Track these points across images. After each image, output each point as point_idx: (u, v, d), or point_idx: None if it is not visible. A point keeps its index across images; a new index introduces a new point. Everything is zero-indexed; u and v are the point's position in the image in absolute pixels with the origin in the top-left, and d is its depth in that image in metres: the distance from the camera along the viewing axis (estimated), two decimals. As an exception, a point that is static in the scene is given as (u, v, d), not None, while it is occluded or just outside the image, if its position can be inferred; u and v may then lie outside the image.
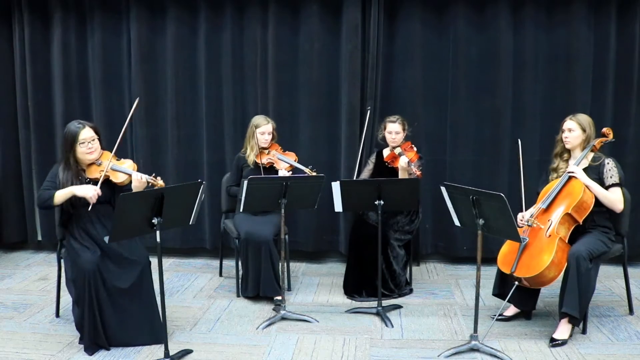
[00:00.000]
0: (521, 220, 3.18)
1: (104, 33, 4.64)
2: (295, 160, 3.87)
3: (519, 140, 3.36)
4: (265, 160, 3.85)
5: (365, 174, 4.12)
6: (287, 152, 3.98)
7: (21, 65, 4.75)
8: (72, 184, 3.02)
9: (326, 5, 4.44)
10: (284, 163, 3.85)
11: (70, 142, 3.04)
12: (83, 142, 3.03)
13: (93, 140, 3.07)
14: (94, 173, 3.10)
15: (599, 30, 4.29)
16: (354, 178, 3.99)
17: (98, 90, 4.71)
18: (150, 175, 3.09)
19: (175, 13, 4.56)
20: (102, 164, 3.11)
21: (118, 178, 3.10)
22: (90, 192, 2.97)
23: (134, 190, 3.08)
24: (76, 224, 3.09)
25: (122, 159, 3.21)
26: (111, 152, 3.14)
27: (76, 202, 3.05)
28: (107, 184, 3.09)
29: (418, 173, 3.65)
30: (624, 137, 4.26)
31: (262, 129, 3.87)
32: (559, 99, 4.35)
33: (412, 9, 4.39)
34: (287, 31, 4.51)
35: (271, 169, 3.88)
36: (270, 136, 3.91)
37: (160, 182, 3.08)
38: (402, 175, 3.78)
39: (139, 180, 3.06)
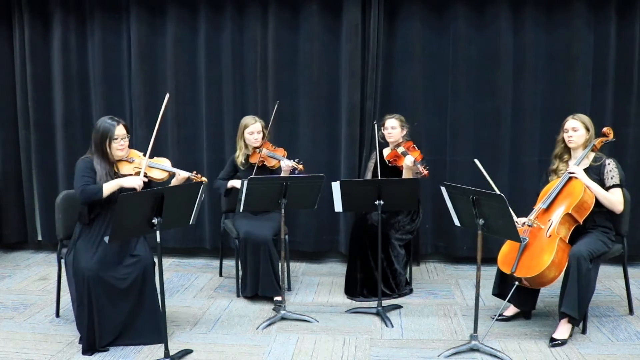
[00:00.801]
0: (517, 224, 3.17)
1: (104, 33, 4.65)
2: (283, 156, 3.85)
3: (476, 160, 3.27)
4: (257, 159, 3.85)
5: (368, 175, 4.12)
6: (277, 148, 3.96)
7: (21, 65, 4.75)
8: (105, 180, 3.04)
9: (326, 5, 4.45)
10: (273, 160, 3.85)
11: (105, 137, 3.08)
12: (117, 139, 3.09)
13: (125, 137, 3.13)
14: (126, 170, 3.14)
15: (599, 30, 4.29)
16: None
17: (98, 90, 4.71)
18: (191, 172, 3.20)
19: (175, 13, 4.56)
20: (134, 161, 3.18)
21: (156, 174, 3.18)
22: (137, 182, 3.03)
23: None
24: (101, 224, 3.08)
25: (157, 157, 3.29)
26: (138, 151, 3.23)
27: (110, 198, 3.05)
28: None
29: (425, 172, 3.63)
30: (624, 137, 4.26)
31: (251, 128, 3.86)
32: (559, 99, 4.35)
33: (412, 8, 4.39)
34: (287, 31, 4.51)
35: (264, 167, 3.87)
36: (260, 135, 3.89)
37: (203, 178, 3.19)
38: (406, 174, 3.77)
39: (182, 179, 3.17)
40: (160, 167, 3.21)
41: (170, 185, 3.14)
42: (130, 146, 3.21)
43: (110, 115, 3.19)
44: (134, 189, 3.01)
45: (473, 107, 4.46)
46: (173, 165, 3.29)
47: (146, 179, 3.10)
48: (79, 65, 4.73)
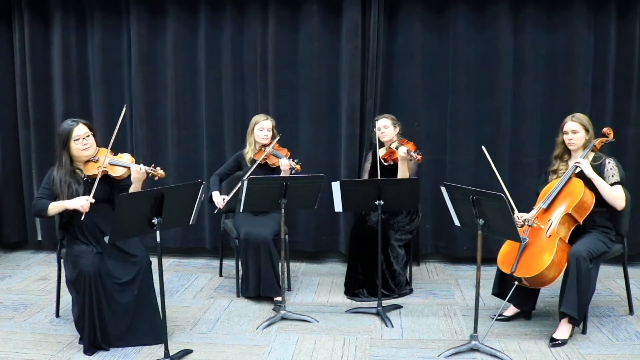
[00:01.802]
0: (518, 219, 3.18)
1: (104, 33, 4.65)
2: (286, 156, 3.85)
3: (483, 147, 3.30)
4: (259, 156, 3.86)
5: (364, 176, 4.12)
6: (282, 148, 3.97)
7: (21, 65, 4.75)
8: (66, 184, 3.02)
9: (326, 5, 4.44)
10: (275, 158, 3.86)
11: (65, 140, 3.04)
12: (77, 139, 3.03)
13: (87, 136, 3.07)
14: (91, 170, 3.10)
15: (599, 31, 4.29)
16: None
17: (98, 90, 4.71)
18: (149, 166, 3.09)
19: (175, 13, 4.56)
20: (99, 160, 3.11)
21: (116, 172, 3.09)
22: (80, 204, 2.96)
23: (133, 183, 3.08)
24: (77, 226, 3.08)
25: (120, 153, 3.20)
26: (107, 148, 3.13)
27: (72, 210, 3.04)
28: (106, 180, 3.09)
29: (419, 157, 3.59)
30: (624, 137, 4.25)
31: (261, 124, 3.89)
32: (559, 99, 4.35)
33: (412, 8, 4.39)
34: (287, 31, 4.51)
35: (266, 165, 3.89)
36: (270, 132, 3.91)
37: (160, 171, 3.08)
38: (402, 166, 3.75)
39: (138, 172, 3.04)
40: (119, 164, 3.10)
41: (132, 180, 3.08)
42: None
43: (72, 117, 3.17)
44: (76, 210, 2.98)
45: (473, 107, 4.45)
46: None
47: (93, 200, 2.99)
48: (79, 65, 4.73)
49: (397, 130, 3.98)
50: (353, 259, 3.92)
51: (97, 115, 4.69)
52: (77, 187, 3.05)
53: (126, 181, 3.14)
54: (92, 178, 3.07)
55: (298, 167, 3.69)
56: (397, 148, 3.80)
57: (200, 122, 4.69)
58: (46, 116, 4.80)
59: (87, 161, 3.12)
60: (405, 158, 3.70)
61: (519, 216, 3.19)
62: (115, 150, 3.21)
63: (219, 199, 3.85)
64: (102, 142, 3.23)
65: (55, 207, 3.01)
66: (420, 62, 4.45)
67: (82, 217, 2.98)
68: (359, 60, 4.43)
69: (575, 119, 3.25)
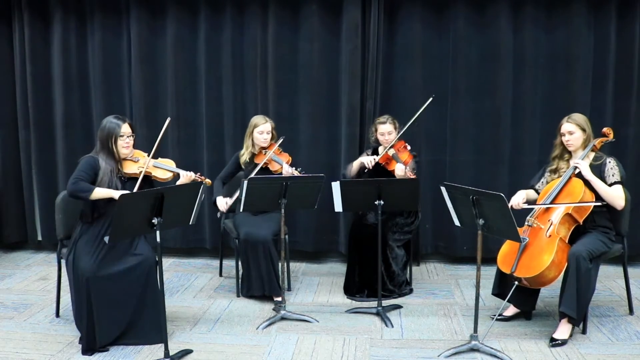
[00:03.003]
0: (517, 205, 3.18)
1: (104, 33, 4.65)
2: (287, 162, 3.84)
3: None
4: (261, 160, 3.85)
5: (363, 156, 4.06)
6: (283, 153, 3.95)
7: (21, 65, 4.75)
8: (109, 177, 3.07)
9: (326, 5, 4.44)
10: (277, 164, 3.84)
11: (111, 135, 3.11)
12: (122, 136, 3.12)
13: (130, 135, 3.17)
14: (130, 168, 3.17)
15: (599, 30, 4.29)
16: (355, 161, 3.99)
17: (98, 90, 4.71)
18: (196, 174, 3.25)
19: (175, 13, 4.56)
20: (139, 160, 3.20)
21: (162, 175, 3.22)
22: None
23: None
24: (103, 222, 3.09)
25: (162, 158, 3.33)
26: (142, 152, 3.26)
27: (109, 204, 3.06)
28: (145, 181, 3.16)
29: (413, 176, 3.66)
30: (624, 136, 4.26)
31: (261, 128, 3.87)
32: (559, 99, 4.35)
33: (412, 8, 4.39)
34: (287, 31, 4.51)
35: (267, 170, 3.86)
36: (270, 135, 3.90)
37: (208, 180, 3.24)
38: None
39: (188, 177, 3.20)
40: (164, 167, 3.25)
41: (174, 185, 3.16)
42: (133, 146, 3.22)
43: (115, 114, 3.24)
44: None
45: (473, 107, 4.46)
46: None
47: (139, 184, 3.08)
48: (79, 65, 4.73)
49: (397, 131, 3.97)
50: (352, 260, 3.92)
51: (97, 115, 4.68)
52: (117, 181, 3.11)
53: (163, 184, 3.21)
54: (129, 177, 3.17)
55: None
56: (395, 158, 3.79)
57: (200, 122, 4.69)
58: (46, 116, 4.80)
59: (125, 160, 3.19)
60: (400, 176, 3.70)
61: (516, 203, 3.20)
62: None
63: (222, 203, 3.85)
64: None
65: (100, 192, 3.04)
66: (420, 62, 4.46)
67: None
68: (359, 60, 4.43)
69: (570, 120, 3.25)
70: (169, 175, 3.25)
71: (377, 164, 3.88)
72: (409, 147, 3.90)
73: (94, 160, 3.11)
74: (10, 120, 4.86)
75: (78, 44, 4.71)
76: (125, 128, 3.14)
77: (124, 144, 3.14)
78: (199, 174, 3.29)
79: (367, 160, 3.86)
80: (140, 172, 3.14)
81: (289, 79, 4.55)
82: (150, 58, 4.63)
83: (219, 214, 3.93)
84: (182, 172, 3.24)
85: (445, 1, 4.39)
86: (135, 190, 3.07)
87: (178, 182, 3.23)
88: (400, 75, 4.50)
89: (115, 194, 3.02)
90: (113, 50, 4.68)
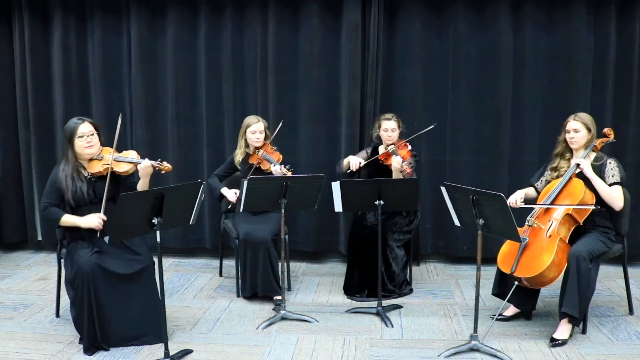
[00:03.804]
0: (514, 204, 3.18)
1: (104, 33, 4.65)
2: (278, 161, 3.82)
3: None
4: (255, 160, 3.85)
5: (362, 153, 4.07)
6: (275, 152, 3.94)
7: (21, 65, 4.75)
8: (71, 178, 3.04)
9: (326, 5, 4.44)
10: (268, 163, 3.83)
11: (70, 137, 3.08)
12: (82, 136, 3.06)
13: (92, 134, 3.10)
14: (95, 167, 3.12)
15: (599, 30, 4.29)
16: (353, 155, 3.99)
17: (98, 90, 4.71)
18: (155, 160, 3.12)
19: (175, 13, 4.56)
20: (103, 157, 3.14)
21: (121, 168, 3.12)
22: (94, 223, 3.00)
23: (142, 178, 3.12)
24: (92, 230, 3.07)
25: (125, 151, 3.24)
26: (112, 147, 3.16)
27: (83, 208, 3.05)
28: (111, 179, 3.10)
29: (408, 170, 3.63)
30: (624, 137, 4.25)
31: (253, 127, 3.86)
32: (559, 99, 4.35)
33: (412, 8, 4.39)
34: (287, 31, 4.51)
35: (259, 169, 3.86)
36: (263, 135, 3.88)
37: (167, 165, 3.11)
38: (395, 175, 3.76)
39: (146, 167, 3.08)
40: (125, 160, 3.13)
41: (139, 175, 3.11)
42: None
43: (78, 116, 3.19)
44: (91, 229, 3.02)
45: (473, 107, 4.46)
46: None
47: (105, 218, 3.02)
48: (79, 65, 4.73)
49: (400, 130, 3.98)
50: (352, 261, 3.92)
51: (97, 115, 4.68)
52: (81, 185, 3.06)
53: (132, 179, 3.16)
54: (96, 176, 3.11)
55: (289, 173, 3.64)
56: (394, 153, 3.79)
57: (200, 122, 4.69)
58: (46, 116, 4.80)
59: (91, 159, 3.13)
60: (397, 169, 3.70)
61: (513, 202, 3.21)
62: (120, 149, 3.23)
63: (231, 193, 3.84)
64: (105, 142, 3.24)
65: (67, 222, 3.04)
66: (420, 62, 4.45)
67: (98, 235, 3.02)
68: (359, 60, 4.43)
69: (577, 118, 3.25)
70: (128, 167, 3.12)
71: (376, 159, 3.88)
72: (409, 147, 3.90)
73: (54, 176, 3.09)
74: (10, 120, 4.86)
75: (78, 44, 4.71)
76: (84, 127, 3.06)
77: (85, 144, 3.07)
78: (159, 160, 3.14)
79: (353, 162, 3.86)
80: (106, 169, 3.07)
81: (289, 79, 4.55)
82: (150, 58, 4.63)
83: (229, 206, 3.88)
84: (140, 162, 3.09)
85: (445, 1, 4.39)
86: (102, 209, 3.01)
87: (140, 173, 3.11)
88: (400, 75, 4.50)
89: (81, 222, 3.01)
90: (113, 50, 4.68)
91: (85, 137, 3.07)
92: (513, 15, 4.33)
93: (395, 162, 3.67)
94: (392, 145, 3.87)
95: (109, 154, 3.13)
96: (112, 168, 3.07)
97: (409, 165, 3.66)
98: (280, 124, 3.86)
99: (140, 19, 4.57)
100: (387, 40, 4.45)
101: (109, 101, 4.71)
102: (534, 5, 4.30)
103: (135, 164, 3.11)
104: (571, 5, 4.26)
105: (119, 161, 3.13)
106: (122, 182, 3.17)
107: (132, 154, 3.19)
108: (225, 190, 3.90)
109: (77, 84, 4.75)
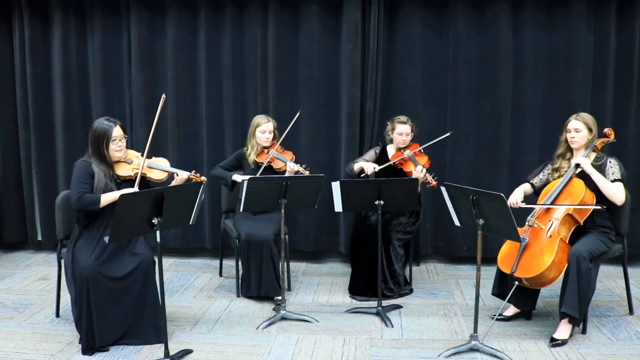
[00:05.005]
0: (514, 204, 3.18)
1: (104, 33, 4.65)
2: (292, 160, 3.85)
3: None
4: (265, 159, 3.85)
5: (366, 157, 4.08)
6: (285, 151, 3.97)
7: (21, 65, 4.75)
8: (104, 182, 3.03)
9: (326, 5, 4.45)
10: (280, 162, 3.85)
11: (105, 139, 3.05)
12: (114, 140, 3.07)
13: (122, 138, 3.12)
14: (124, 171, 3.12)
15: (599, 30, 4.29)
16: (357, 159, 4.00)
17: (98, 90, 4.71)
18: (190, 172, 3.19)
19: (175, 13, 4.56)
20: (132, 161, 3.15)
21: (156, 175, 3.17)
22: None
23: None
24: (100, 223, 3.06)
25: (155, 157, 3.27)
26: (135, 151, 3.21)
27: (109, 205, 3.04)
28: (141, 183, 3.12)
29: (434, 183, 3.66)
30: (624, 137, 4.25)
31: (263, 127, 3.87)
32: (559, 99, 4.35)
33: (412, 8, 4.39)
34: (287, 31, 4.51)
35: (270, 168, 3.87)
36: (272, 135, 3.90)
37: (202, 177, 3.18)
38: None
39: (181, 178, 3.15)
40: (159, 168, 3.20)
41: (171, 185, 3.14)
42: (130, 147, 3.21)
43: (106, 117, 3.17)
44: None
45: (473, 107, 4.46)
46: (173, 165, 3.29)
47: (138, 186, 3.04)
48: (79, 65, 4.73)
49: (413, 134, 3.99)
50: (357, 262, 3.91)
51: (97, 115, 4.65)
52: (111, 185, 3.07)
53: (164, 185, 3.17)
54: (123, 179, 3.12)
55: (307, 172, 3.68)
56: (412, 160, 3.82)
57: (200, 122, 4.69)
58: (46, 116, 4.80)
59: (118, 162, 3.14)
60: (421, 179, 3.69)
61: (513, 203, 3.22)
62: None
63: (239, 177, 3.82)
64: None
65: (107, 199, 3.00)
66: (420, 62, 4.46)
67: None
68: (359, 60, 4.43)
69: (579, 118, 3.26)
70: (164, 175, 3.19)
71: (389, 163, 3.89)
72: (423, 152, 3.92)
73: (88, 166, 3.06)
74: (10, 120, 4.86)
75: (78, 44, 4.71)
76: (117, 131, 3.07)
77: (117, 147, 3.08)
78: (194, 171, 3.23)
79: (368, 167, 3.86)
80: (136, 174, 3.09)
81: (289, 79, 4.55)
82: (150, 58, 4.63)
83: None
84: (176, 172, 3.18)
85: (445, 1, 4.39)
86: (135, 186, 3.03)
87: (173, 183, 3.18)
88: (400, 75, 4.50)
89: (118, 194, 2.98)
90: (113, 50, 4.68)
91: (118, 140, 3.08)
92: (513, 15, 4.33)
93: (419, 173, 3.68)
94: (408, 150, 3.87)
95: (137, 158, 3.17)
96: (144, 174, 3.11)
97: (434, 177, 3.68)
98: (298, 114, 3.88)
99: (140, 19, 4.57)
100: (387, 40, 4.45)
101: (109, 101, 4.71)
102: (534, 6, 4.30)
103: (171, 172, 3.18)
104: (571, 5, 4.26)
105: (152, 168, 3.16)
106: (149, 187, 3.17)
107: (163, 162, 3.24)
108: (237, 177, 3.87)
109: (77, 84, 4.75)
